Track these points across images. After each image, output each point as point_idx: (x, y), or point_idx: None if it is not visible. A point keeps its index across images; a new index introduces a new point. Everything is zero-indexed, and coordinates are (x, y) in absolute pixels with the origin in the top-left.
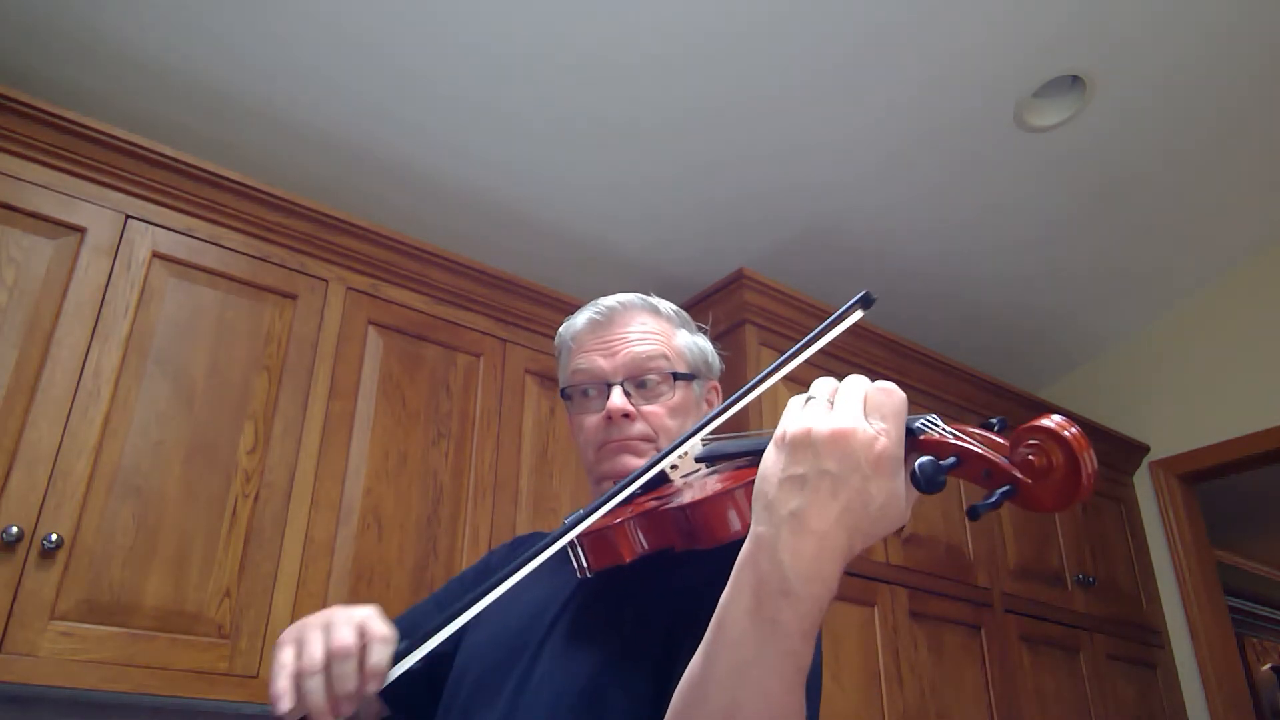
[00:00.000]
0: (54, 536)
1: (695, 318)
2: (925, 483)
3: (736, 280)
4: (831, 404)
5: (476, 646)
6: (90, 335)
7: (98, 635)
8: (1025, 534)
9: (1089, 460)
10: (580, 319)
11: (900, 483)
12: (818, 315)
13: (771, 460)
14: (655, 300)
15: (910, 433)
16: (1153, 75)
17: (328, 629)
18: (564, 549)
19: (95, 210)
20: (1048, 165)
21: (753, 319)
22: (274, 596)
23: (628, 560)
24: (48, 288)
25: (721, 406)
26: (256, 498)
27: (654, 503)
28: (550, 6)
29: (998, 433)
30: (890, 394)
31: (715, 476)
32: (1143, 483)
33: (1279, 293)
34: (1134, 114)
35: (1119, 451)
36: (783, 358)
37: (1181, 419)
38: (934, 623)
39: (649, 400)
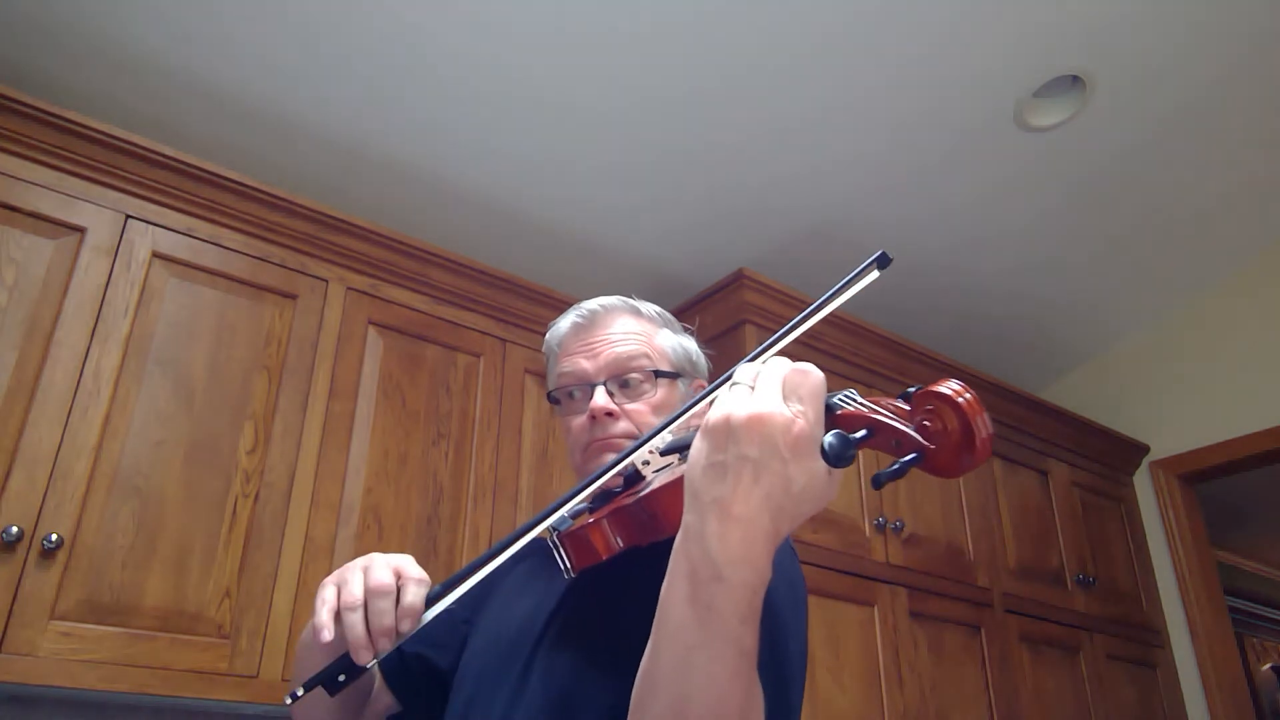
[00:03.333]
0: (54, 536)
1: (695, 317)
2: (834, 458)
3: (736, 280)
4: (752, 389)
5: (476, 648)
6: (90, 335)
7: (98, 635)
8: (1025, 534)
9: (982, 424)
10: (564, 323)
11: (821, 463)
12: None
13: (696, 449)
14: (637, 302)
15: (828, 409)
16: (1153, 75)
17: (367, 570)
18: (549, 550)
19: (95, 210)
20: (1048, 165)
21: (753, 319)
22: (274, 596)
23: (605, 558)
24: (48, 288)
25: (695, 399)
26: (256, 498)
27: (624, 500)
28: (548, 9)
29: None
30: (807, 375)
31: (680, 467)
32: (1143, 483)
33: (1278, 293)
34: (1134, 114)
35: (1119, 451)
36: (785, 329)
37: (1181, 419)
38: (934, 623)
39: (632, 399)
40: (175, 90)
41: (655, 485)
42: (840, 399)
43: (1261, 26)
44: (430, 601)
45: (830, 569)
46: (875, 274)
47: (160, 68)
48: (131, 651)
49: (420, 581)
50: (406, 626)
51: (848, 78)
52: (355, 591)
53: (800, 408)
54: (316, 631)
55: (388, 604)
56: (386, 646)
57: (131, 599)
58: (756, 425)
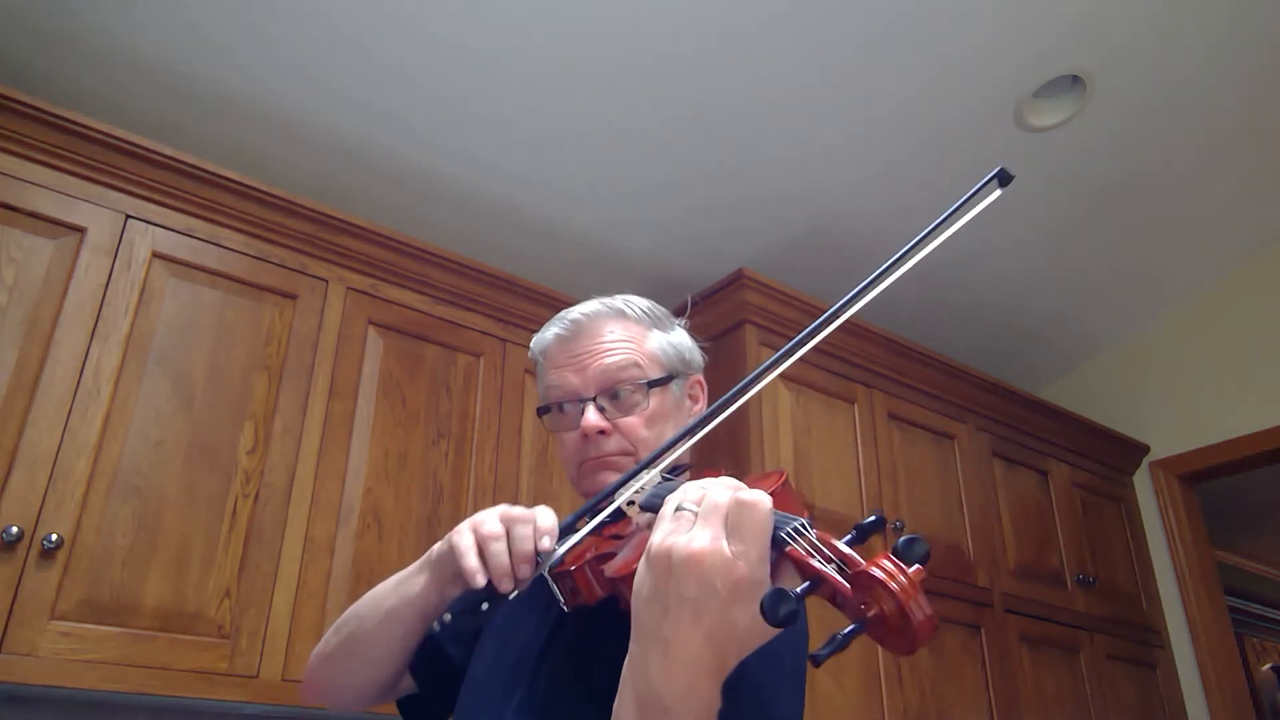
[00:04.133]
0: (54, 536)
1: (695, 318)
2: (769, 615)
3: (736, 280)
4: (696, 515)
5: (478, 668)
6: (90, 335)
7: (98, 635)
8: (1025, 534)
9: (917, 609)
10: (548, 334)
11: None
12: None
13: (640, 575)
14: (622, 303)
15: (775, 544)
16: (1153, 75)
17: (499, 509)
18: (543, 578)
19: (95, 210)
20: (1048, 165)
21: (753, 319)
22: (274, 596)
23: (592, 603)
24: (48, 288)
25: (683, 431)
26: (256, 498)
27: (609, 545)
28: (549, 8)
29: (871, 535)
30: (753, 509)
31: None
32: (1143, 483)
33: (1278, 293)
34: (1134, 114)
35: (1119, 451)
36: (916, 242)
37: (1181, 419)
38: None
39: (624, 412)
40: (175, 90)
41: (622, 564)
42: (788, 534)
43: (1262, 26)
44: (561, 530)
45: None
46: (997, 192)
47: (160, 67)
48: (131, 651)
49: (548, 510)
50: (546, 544)
51: (847, 80)
52: (494, 526)
53: (741, 547)
54: (471, 575)
55: (527, 530)
56: (527, 574)
57: (131, 599)
58: (694, 566)
